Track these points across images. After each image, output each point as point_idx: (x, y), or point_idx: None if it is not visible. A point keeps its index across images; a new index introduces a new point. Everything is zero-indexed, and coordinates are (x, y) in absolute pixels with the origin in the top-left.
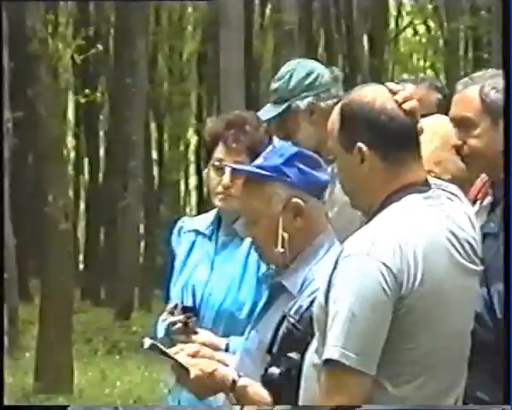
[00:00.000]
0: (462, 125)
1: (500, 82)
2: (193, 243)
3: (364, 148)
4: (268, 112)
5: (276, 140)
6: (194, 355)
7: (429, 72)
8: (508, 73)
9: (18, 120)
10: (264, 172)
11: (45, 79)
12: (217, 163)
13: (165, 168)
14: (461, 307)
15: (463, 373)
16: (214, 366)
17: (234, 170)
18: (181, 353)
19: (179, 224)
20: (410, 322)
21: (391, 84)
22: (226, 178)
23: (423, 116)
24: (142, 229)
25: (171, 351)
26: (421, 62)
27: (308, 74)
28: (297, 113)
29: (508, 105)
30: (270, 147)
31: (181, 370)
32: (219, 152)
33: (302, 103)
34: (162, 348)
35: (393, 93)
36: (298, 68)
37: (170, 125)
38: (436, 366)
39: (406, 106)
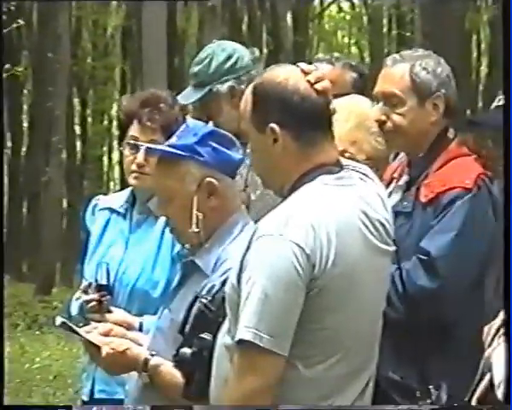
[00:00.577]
0: (388, 100)
1: (430, 63)
2: (107, 222)
3: (277, 128)
4: (189, 96)
5: (189, 119)
6: (106, 334)
7: (354, 49)
8: (508, 72)
9: None
10: (177, 151)
11: None
12: (131, 141)
13: (88, 143)
14: (373, 288)
15: (375, 354)
16: (126, 344)
17: (148, 149)
18: (93, 331)
19: (93, 202)
20: (323, 302)
21: (303, 65)
22: (140, 157)
23: (339, 96)
24: (64, 204)
25: (83, 330)
26: (346, 39)
27: (228, 58)
28: (218, 96)
29: (508, 104)
30: (184, 126)
31: (93, 348)
32: (134, 130)
33: (223, 87)
34: (73, 326)
35: (306, 73)
36: (217, 52)
37: (93, 100)
38: (348, 347)
39: (318, 86)
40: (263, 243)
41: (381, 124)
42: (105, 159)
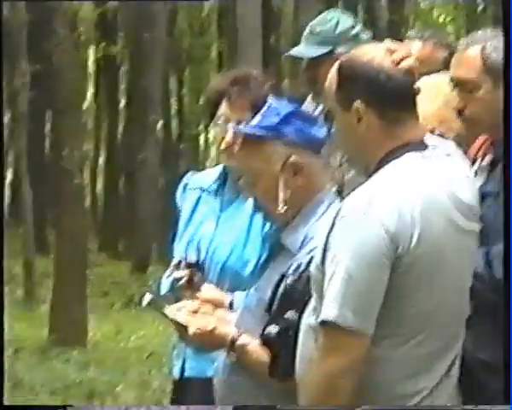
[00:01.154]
0: (465, 87)
1: (500, 43)
2: (198, 200)
3: (362, 106)
4: (307, 52)
5: (272, 98)
6: (194, 313)
7: (449, 27)
8: (508, 71)
9: (35, 73)
10: (260, 132)
11: (62, 32)
12: (220, 121)
13: (184, 122)
14: (458, 266)
15: (461, 332)
16: (214, 323)
17: (234, 130)
18: (181, 310)
19: (184, 180)
20: (408, 281)
21: (389, 43)
22: (229, 136)
23: (429, 73)
24: (160, 182)
25: (172, 308)
26: (442, 18)
27: (352, 26)
28: (333, 60)
29: (508, 102)
30: (267, 105)
31: (181, 327)
32: (223, 109)
33: (343, 51)
34: (160, 304)
35: (391, 52)
36: (343, 17)
37: (190, 79)
38: (433, 326)
39: (404, 65)
40: (347, 222)
41: (460, 111)
42: (201, 138)
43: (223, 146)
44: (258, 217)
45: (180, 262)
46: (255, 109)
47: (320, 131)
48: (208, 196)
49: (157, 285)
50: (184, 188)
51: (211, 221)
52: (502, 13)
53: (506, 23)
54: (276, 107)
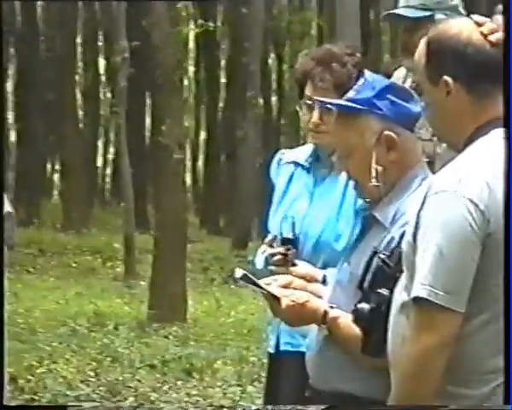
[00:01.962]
0: None
1: None
2: (292, 175)
3: (450, 81)
4: (408, 12)
5: (367, 73)
6: (286, 286)
7: None
8: (508, 72)
9: (135, 51)
10: (355, 105)
11: (160, 9)
12: (307, 101)
13: (284, 98)
14: None
15: None
16: (306, 297)
17: (326, 105)
18: (274, 283)
19: (278, 155)
20: (495, 259)
21: (477, 17)
22: (315, 116)
23: None
24: (261, 159)
25: (263, 282)
26: None
27: None
28: (428, 26)
29: (508, 102)
30: (362, 80)
31: (273, 300)
32: (308, 90)
33: (442, 18)
34: (253, 278)
35: (479, 25)
36: None
37: (289, 56)
38: None
39: (492, 38)
40: (437, 199)
41: None
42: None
43: (310, 126)
44: (351, 192)
45: (275, 238)
46: (338, 89)
47: (415, 107)
48: (302, 172)
49: (252, 261)
50: (278, 163)
51: (305, 197)
52: (502, 13)
53: (506, 23)
54: (372, 81)
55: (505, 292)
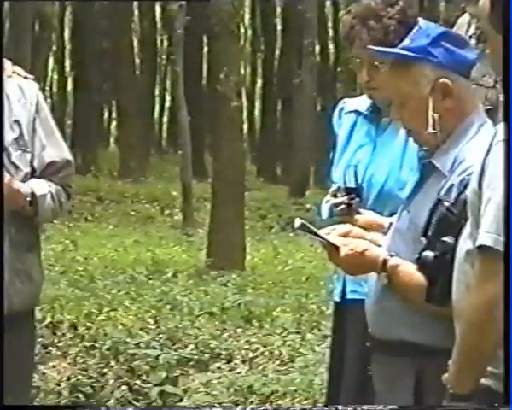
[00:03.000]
0: None
1: None
2: (354, 124)
3: None
4: None
5: (421, 21)
6: (345, 235)
7: None
8: (508, 72)
9: None
10: (410, 53)
11: None
12: (356, 59)
13: (341, 45)
14: None
15: None
16: (365, 245)
17: (374, 61)
18: (333, 232)
19: (340, 105)
20: None
21: None
22: (364, 74)
23: None
24: (317, 106)
25: (322, 231)
26: None
27: None
28: None
29: (508, 102)
30: (416, 27)
31: (332, 248)
32: (355, 48)
33: None
34: (312, 227)
35: None
36: None
37: (346, 3)
38: None
39: None
40: (503, 147)
41: None
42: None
43: (362, 83)
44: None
45: (339, 188)
46: (379, 45)
47: (470, 54)
48: (364, 121)
49: (317, 210)
50: (340, 112)
51: (367, 146)
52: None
53: (506, 23)
54: (426, 29)
55: (505, 292)
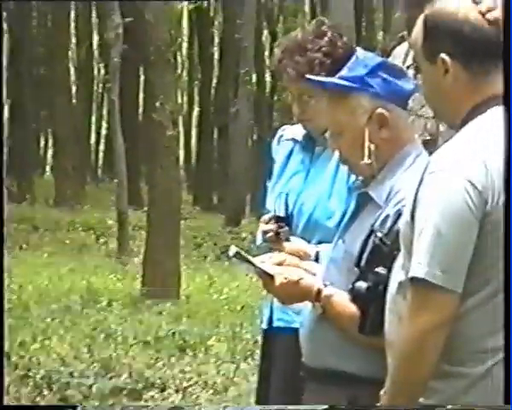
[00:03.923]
0: None
1: None
2: (290, 152)
3: (448, 58)
4: None
5: (359, 51)
6: (280, 264)
7: None
8: (508, 71)
9: (127, 26)
10: (347, 83)
11: None
12: (289, 92)
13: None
14: None
15: None
16: (300, 274)
17: (319, 83)
18: (268, 261)
19: (279, 132)
20: (496, 238)
21: None
22: (294, 107)
23: None
24: (253, 135)
25: (257, 259)
26: None
27: None
28: None
29: (507, 102)
30: (354, 57)
31: (266, 277)
32: (284, 81)
33: None
34: (246, 255)
35: (477, 3)
36: None
37: (283, 33)
38: None
39: (490, 16)
40: (435, 179)
41: None
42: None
43: (295, 114)
44: (344, 169)
45: (271, 217)
46: (304, 78)
47: (407, 84)
48: (300, 149)
49: (255, 237)
50: (279, 140)
51: (301, 174)
52: (502, 13)
53: (506, 23)
54: (363, 59)
55: (505, 291)
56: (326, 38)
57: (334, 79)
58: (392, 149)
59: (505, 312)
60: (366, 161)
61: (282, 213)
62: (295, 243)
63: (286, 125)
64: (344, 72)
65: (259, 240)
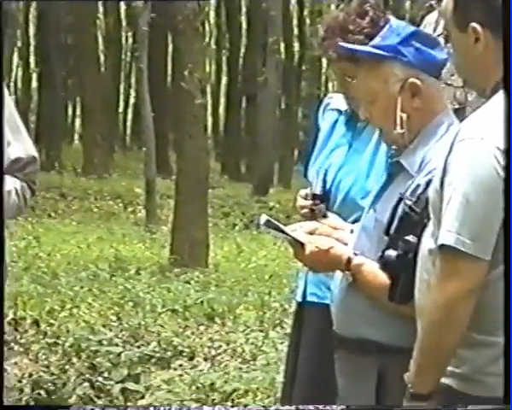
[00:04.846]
0: None
1: None
2: (335, 122)
3: (478, 27)
4: None
5: (393, 19)
6: (312, 232)
7: None
8: (508, 71)
9: None
10: (380, 51)
11: None
12: (335, 69)
13: (305, 44)
14: None
15: None
16: (330, 243)
17: (353, 50)
18: (299, 229)
19: (326, 100)
20: None
21: None
22: (337, 86)
23: None
24: (282, 104)
25: (288, 228)
26: None
27: None
28: None
29: (508, 103)
30: (387, 26)
31: (297, 245)
32: (327, 59)
33: None
34: (277, 223)
35: None
36: None
37: (310, 1)
38: None
39: None
40: (464, 146)
41: None
42: (323, 60)
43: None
44: (384, 147)
45: (307, 192)
46: (345, 59)
47: (440, 54)
48: (344, 121)
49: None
50: (325, 108)
51: (343, 148)
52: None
53: (506, 23)
54: (396, 28)
55: (505, 291)
56: (367, 18)
57: (368, 48)
58: (425, 118)
59: (505, 312)
60: (398, 130)
61: (318, 191)
62: (331, 220)
63: (332, 94)
64: (377, 40)
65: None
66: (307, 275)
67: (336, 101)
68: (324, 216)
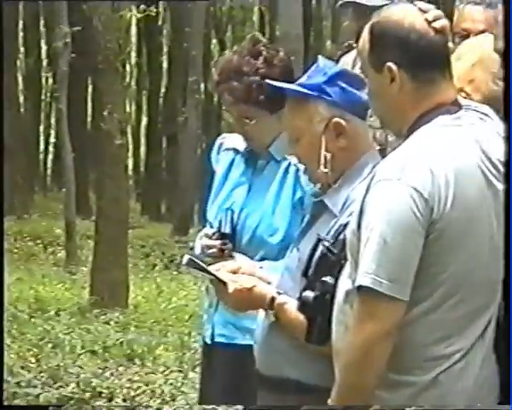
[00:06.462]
0: None
1: None
2: (231, 162)
3: (394, 67)
4: (369, 0)
5: (321, 59)
6: (234, 272)
7: None
8: (508, 71)
9: (76, 35)
10: (305, 90)
11: None
12: (232, 112)
13: None
14: (491, 227)
15: (497, 293)
16: (253, 282)
17: (277, 88)
18: (222, 269)
19: (219, 140)
20: (442, 245)
21: (421, 3)
22: (236, 127)
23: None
24: (202, 144)
25: (210, 267)
26: None
27: None
28: None
29: (508, 103)
30: (314, 65)
31: (220, 284)
32: (223, 102)
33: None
34: (200, 263)
35: (423, 12)
36: None
37: (231, 41)
38: (467, 288)
39: (436, 24)
40: (381, 187)
41: None
42: None
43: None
44: (289, 185)
45: (216, 231)
46: (240, 102)
47: (365, 94)
48: (241, 159)
49: (192, 247)
50: (219, 149)
51: (243, 187)
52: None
53: (506, 23)
54: (323, 67)
55: (505, 292)
56: (261, 58)
57: (293, 86)
58: (350, 158)
59: (505, 312)
60: (322, 169)
61: (227, 230)
62: (239, 260)
63: (225, 134)
64: (303, 79)
65: (198, 249)
66: (213, 316)
67: (231, 141)
68: (231, 256)
